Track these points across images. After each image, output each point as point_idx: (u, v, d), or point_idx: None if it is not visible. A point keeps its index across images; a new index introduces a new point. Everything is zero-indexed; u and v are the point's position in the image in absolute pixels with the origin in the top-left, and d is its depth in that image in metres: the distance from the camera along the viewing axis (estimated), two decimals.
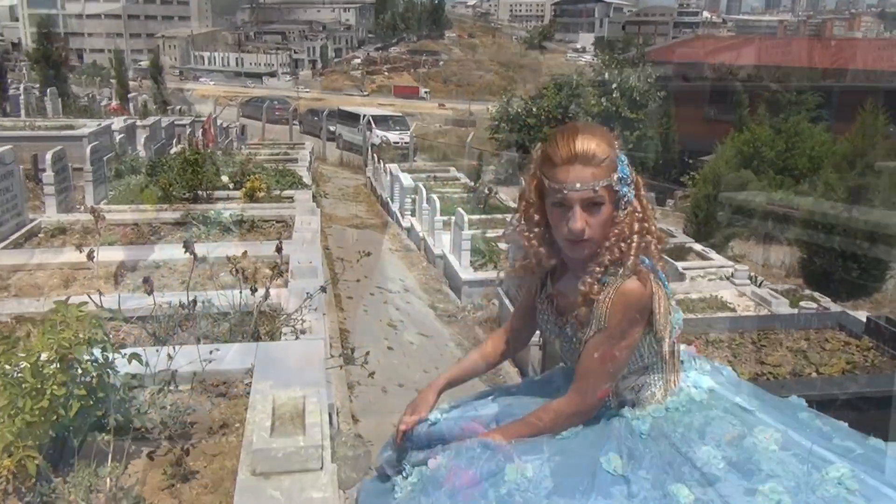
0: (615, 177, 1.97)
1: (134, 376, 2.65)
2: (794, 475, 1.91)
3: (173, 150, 13.50)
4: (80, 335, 2.31)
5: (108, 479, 2.27)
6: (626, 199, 2.01)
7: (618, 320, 1.98)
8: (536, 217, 2.08)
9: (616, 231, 2.00)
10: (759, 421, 2.06)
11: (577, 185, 1.94)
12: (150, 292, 3.35)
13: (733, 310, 7.70)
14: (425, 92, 52.99)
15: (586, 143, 1.94)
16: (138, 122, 16.22)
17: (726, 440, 1.99)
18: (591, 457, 1.98)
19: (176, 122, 19.02)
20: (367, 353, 3.69)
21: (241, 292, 3.82)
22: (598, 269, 1.99)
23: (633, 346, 2.03)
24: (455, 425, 2.22)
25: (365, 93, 52.64)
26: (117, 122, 15.74)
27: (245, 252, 4.14)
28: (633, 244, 1.99)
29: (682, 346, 2.20)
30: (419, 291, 10.10)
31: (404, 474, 2.17)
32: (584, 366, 2.05)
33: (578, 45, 62.47)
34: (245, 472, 2.33)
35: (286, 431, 2.39)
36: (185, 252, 3.65)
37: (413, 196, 14.28)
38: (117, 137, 13.31)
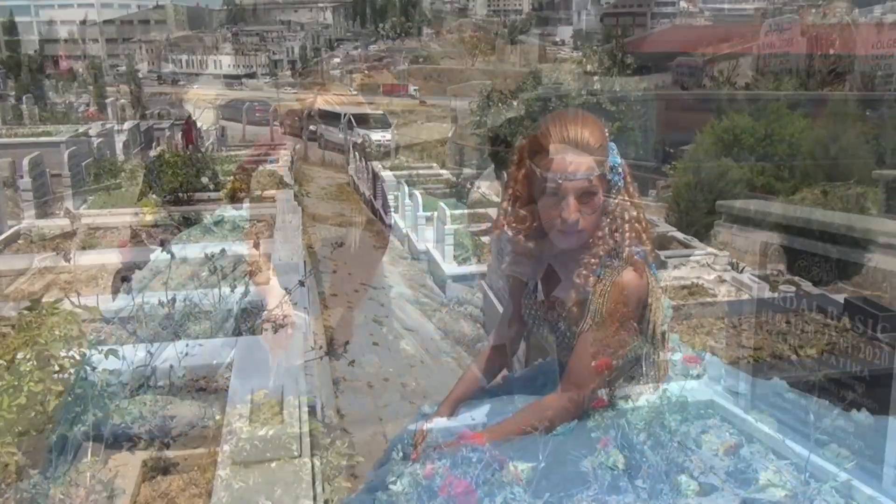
0: (607, 165, 1.94)
1: (112, 372, 2.66)
2: (791, 484, 1.88)
3: (152, 153, 13.44)
4: (56, 332, 2.31)
5: (87, 474, 2.28)
6: (616, 187, 1.97)
7: (614, 313, 1.94)
8: (523, 212, 2.02)
9: (608, 220, 1.96)
10: (756, 429, 2.04)
11: (572, 175, 1.88)
12: (129, 292, 3.37)
13: (714, 295, 7.76)
14: (414, 90, 52.73)
15: (579, 132, 1.90)
16: (116, 127, 16.15)
17: (723, 449, 1.97)
18: (588, 458, 1.93)
19: (155, 126, 18.95)
20: (347, 343, 3.71)
21: (219, 290, 3.83)
22: (593, 260, 1.95)
23: (625, 349, 1.99)
24: (448, 431, 2.17)
25: (354, 92, 52.42)
26: (95, 128, 15.66)
27: (223, 250, 4.15)
28: (626, 234, 1.96)
29: (674, 337, 2.20)
30: (403, 286, 10.12)
31: (397, 481, 2.06)
32: (577, 365, 2.00)
33: (558, 38, 62.27)
34: (225, 462, 2.34)
35: (265, 421, 2.41)
36: (163, 252, 3.67)
37: (396, 193, 14.29)
38: (95, 142, 13.25)
